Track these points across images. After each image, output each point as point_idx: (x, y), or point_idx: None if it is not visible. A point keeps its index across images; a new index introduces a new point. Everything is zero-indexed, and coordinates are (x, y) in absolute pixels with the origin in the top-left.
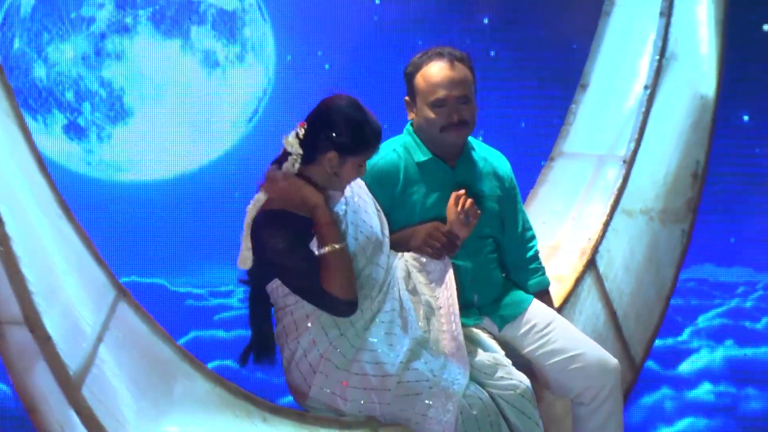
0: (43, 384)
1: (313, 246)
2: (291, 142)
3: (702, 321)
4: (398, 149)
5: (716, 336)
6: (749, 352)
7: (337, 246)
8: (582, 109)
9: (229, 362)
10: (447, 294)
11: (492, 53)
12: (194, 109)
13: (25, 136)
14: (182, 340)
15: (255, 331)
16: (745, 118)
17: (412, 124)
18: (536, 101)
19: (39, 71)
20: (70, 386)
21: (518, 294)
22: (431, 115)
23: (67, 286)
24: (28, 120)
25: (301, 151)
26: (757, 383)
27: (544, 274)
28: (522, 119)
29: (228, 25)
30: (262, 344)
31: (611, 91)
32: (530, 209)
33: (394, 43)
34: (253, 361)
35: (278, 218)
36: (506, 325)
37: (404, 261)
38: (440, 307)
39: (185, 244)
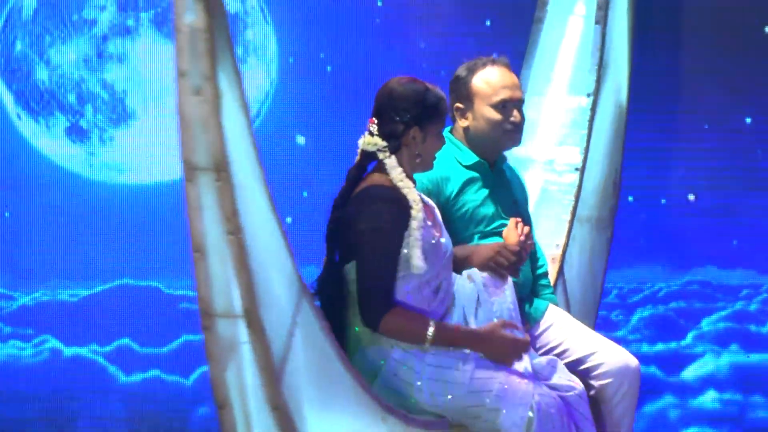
0: (236, 379)
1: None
2: (370, 140)
3: (706, 324)
4: (444, 158)
5: (721, 340)
6: (755, 357)
7: (427, 344)
8: (531, 114)
9: None
10: (509, 312)
11: (495, 55)
12: None
13: (248, 126)
14: (174, 344)
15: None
16: (748, 120)
17: (455, 130)
18: None
19: (41, 73)
20: (273, 382)
21: (536, 297)
22: (495, 116)
23: (272, 279)
24: (30, 122)
25: (385, 143)
26: (765, 391)
27: (553, 293)
28: None
29: (230, 27)
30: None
31: (548, 97)
32: None
33: (397, 46)
34: None
35: (386, 196)
36: (534, 323)
37: (467, 275)
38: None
39: (188, 247)
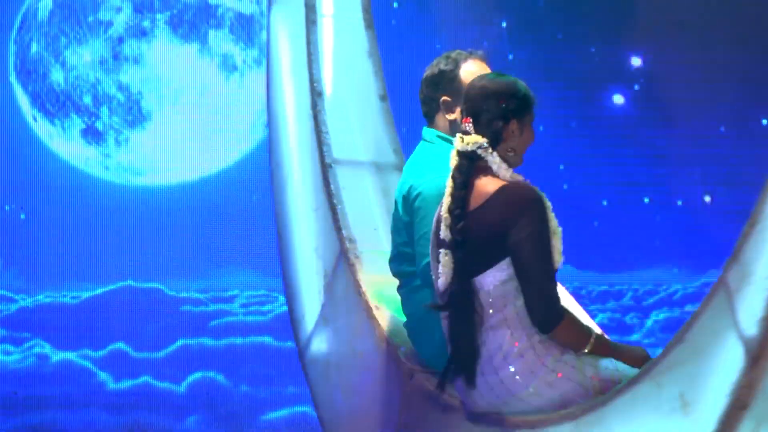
0: None
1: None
2: (470, 139)
3: None
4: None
5: None
6: None
7: (586, 349)
8: (328, 117)
9: (212, 374)
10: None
11: (510, 56)
12: (212, 113)
13: None
14: (170, 348)
15: (461, 346)
16: (764, 122)
17: (437, 126)
18: (554, 104)
19: (56, 75)
20: None
21: None
22: None
23: None
24: (46, 124)
25: (486, 139)
26: None
27: None
28: (540, 122)
29: (246, 29)
30: (468, 360)
31: (343, 97)
32: (356, 217)
33: (412, 47)
34: (447, 379)
35: (529, 196)
36: None
37: None
38: None
39: (202, 248)
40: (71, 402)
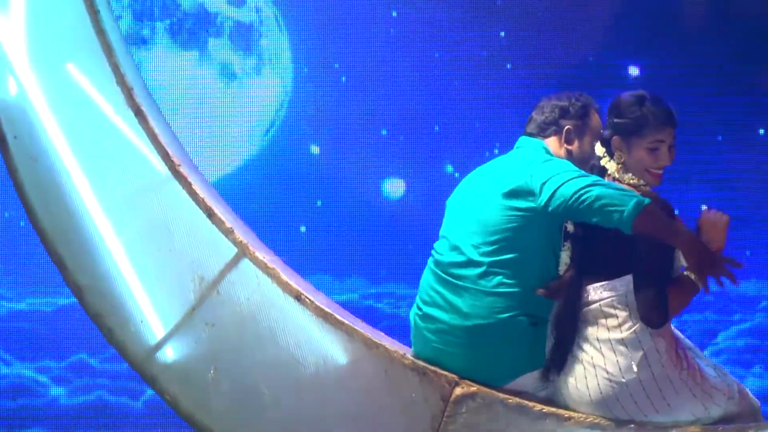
0: None
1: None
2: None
3: (723, 340)
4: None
5: (742, 360)
6: None
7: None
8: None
9: None
10: None
11: (508, 66)
12: (211, 121)
13: None
14: None
15: (563, 341)
16: (761, 131)
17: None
18: None
19: None
20: None
21: None
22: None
23: None
24: None
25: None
26: None
27: None
28: None
29: (245, 37)
30: (563, 354)
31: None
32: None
33: (411, 56)
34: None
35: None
36: None
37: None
38: None
39: None
40: (14, 418)
